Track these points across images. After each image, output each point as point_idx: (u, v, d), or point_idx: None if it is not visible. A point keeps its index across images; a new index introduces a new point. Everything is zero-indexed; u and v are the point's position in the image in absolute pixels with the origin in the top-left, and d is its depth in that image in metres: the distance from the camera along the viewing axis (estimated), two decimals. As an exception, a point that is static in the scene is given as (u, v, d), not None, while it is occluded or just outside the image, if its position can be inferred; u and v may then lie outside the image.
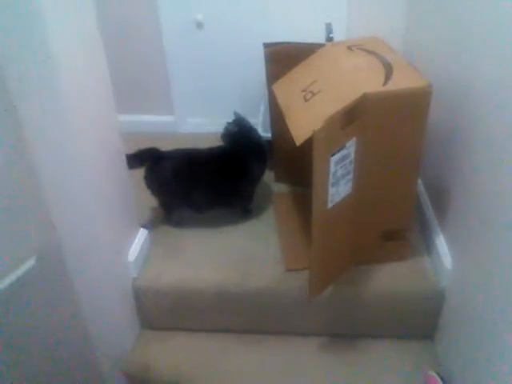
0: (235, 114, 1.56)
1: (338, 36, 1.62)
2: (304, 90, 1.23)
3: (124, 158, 1.33)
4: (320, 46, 1.37)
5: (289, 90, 1.30)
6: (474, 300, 1.11)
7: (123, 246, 1.36)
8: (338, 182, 1.12)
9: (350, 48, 1.32)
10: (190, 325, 1.42)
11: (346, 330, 1.38)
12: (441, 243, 1.30)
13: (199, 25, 1.88)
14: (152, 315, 1.44)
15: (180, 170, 1.46)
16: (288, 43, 1.37)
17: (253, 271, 1.37)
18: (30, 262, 1.12)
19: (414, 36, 1.69)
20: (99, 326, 1.33)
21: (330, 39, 1.63)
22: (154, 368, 1.35)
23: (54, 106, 1.01)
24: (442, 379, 1.20)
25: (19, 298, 1.11)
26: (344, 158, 1.11)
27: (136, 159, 1.42)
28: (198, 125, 2.06)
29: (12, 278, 1.08)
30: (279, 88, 1.36)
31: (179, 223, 1.55)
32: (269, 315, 1.38)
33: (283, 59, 1.37)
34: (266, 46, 1.40)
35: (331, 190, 1.12)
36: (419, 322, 1.34)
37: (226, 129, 1.53)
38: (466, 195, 1.17)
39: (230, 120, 1.56)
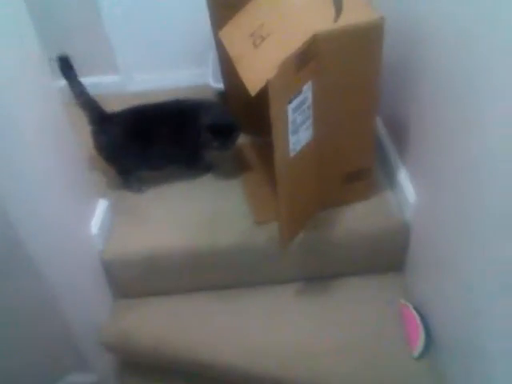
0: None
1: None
2: (252, 35, 1.17)
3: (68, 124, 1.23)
4: None
5: (236, 36, 1.24)
6: (438, 230, 1.14)
7: (84, 219, 1.32)
8: (297, 129, 1.10)
9: None
10: (164, 289, 1.42)
11: (319, 273, 1.41)
12: (403, 178, 1.32)
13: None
14: (124, 285, 1.42)
15: (130, 131, 1.40)
16: None
17: (221, 228, 1.36)
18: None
19: None
20: (70, 301, 1.31)
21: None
22: (131, 336, 1.35)
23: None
24: (414, 308, 1.24)
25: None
26: (301, 103, 1.08)
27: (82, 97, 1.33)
28: (146, 81, 1.95)
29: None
30: (226, 34, 1.29)
31: (139, 187, 1.50)
32: (242, 269, 1.39)
33: (227, 2, 1.30)
34: None
35: (292, 138, 1.09)
36: (388, 257, 1.38)
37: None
38: (424, 128, 1.18)
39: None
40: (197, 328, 1.33)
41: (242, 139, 1.61)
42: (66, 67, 1.32)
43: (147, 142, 1.41)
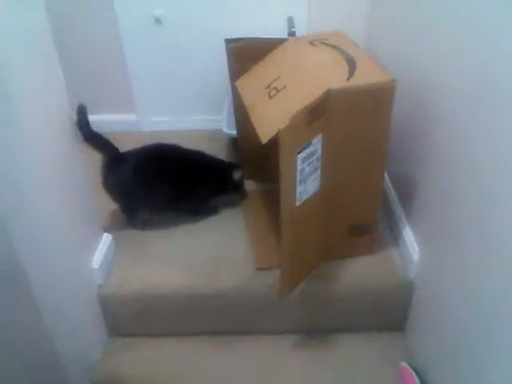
0: None
1: (299, 30, 1.61)
2: (268, 87, 1.22)
3: (78, 159, 1.25)
4: (282, 40, 1.36)
5: (252, 86, 1.29)
6: (442, 290, 1.13)
7: (86, 252, 1.32)
8: (305, 179, 1.12)
9: (312, 43, 1.31)
10: (160, 330, 1.40)
11: (318, 326, 1.39)
12: (408, 235, 1.33)
13: (158, 21, 1.83)
14: (120, 322, 1.40)
15: (140, 173, 1.42)
16: (250, 39, 1.36)
17: (221, 272, 1.36)
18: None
19: (377, 30, 1.69)
20: (64, 335, 1.28)
21: (292, 33, 1.62)
22: (124, 377, 1.32)
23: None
24: (414, 370, 1.21)
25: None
26: (311, 154, 1.10)
27: (95, 138, 1.34)
28: (161, 123, 2.01)
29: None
30: (242, 85, 1.34)
31: (143, 225, 1.51)
32: (240, 315, 1.37)
33: (246, 55, 1.36)
34: (228, 41, 1.37)
35: (299, 188, 1.11)
36: (389, 315, 1.37)
37: None
38: (431, 187, 1.20)
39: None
40: (190, 373, 1.30)
41: (251, 186, 1.64)
42: (83, 114, 1.32)
43: (155, 184, 1.43)
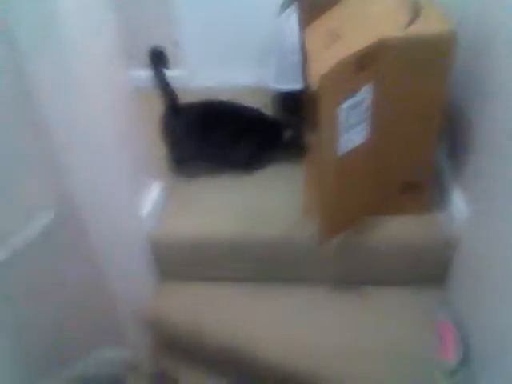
0: None
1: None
2: (328, 35, 1.21)
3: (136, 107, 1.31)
4: None
5: (316, 35, 1.28)
6: (486, 248, 1.12)
7: (138, 199, 1.38)
8: (349, 129, 1.12)
9: None
10: (207, 276, 1.46)
11: (357, 278, 1.41)
12: (456, 193, 1.30)
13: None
14: (169, 267, 1.48)
15: (197, 124, 1.49)
16: None
17: (267, 221, 1.39)
18: (48, 216, 1.13)
19: None
20: (117, 279, 1.38)
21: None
22: (172, 317, 1.41)
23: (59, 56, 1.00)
24: (452, 322, 1.22)
25: (37, 252, 1.14)
26: (357, 104, 1.10)
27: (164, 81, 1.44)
28: (210, 78, 2.02)
29: (30, 231, 1.09)
30: (308, 33, 1.33)
31: (193, 176, 1.56)
32: (281, 263, 1.41)
33: (315, 5, 1.32)
34: None
35: (342, 137, 1.11)
36: (431, 270, 1.36)
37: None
38: (485, 146, 1.16)
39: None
40: (235, 317, 1.37)
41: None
42: (159, 59, 1.44)
43: (207, 136, 1.48)
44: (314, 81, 1.06)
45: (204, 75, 2.05)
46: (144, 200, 1.40)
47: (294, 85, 1.57)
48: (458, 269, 1.29)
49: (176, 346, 1.47)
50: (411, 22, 1.09)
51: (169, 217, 1.45)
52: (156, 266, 1.47)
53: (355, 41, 1.09)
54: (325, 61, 1.10)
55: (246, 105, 1.55)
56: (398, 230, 1.33)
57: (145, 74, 1.68)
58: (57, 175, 1.15)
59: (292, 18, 1.46)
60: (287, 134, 1.54)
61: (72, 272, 1.28)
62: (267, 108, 1.65)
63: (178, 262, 1.46)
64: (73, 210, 1.21)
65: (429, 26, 1.08)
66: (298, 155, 1.56)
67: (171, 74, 2.02)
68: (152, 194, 1.44)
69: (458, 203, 1.28)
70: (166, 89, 1.46)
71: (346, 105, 1.06)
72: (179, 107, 1.50)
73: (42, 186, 1.14)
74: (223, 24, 1.93)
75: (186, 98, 1.52)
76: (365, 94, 1.10)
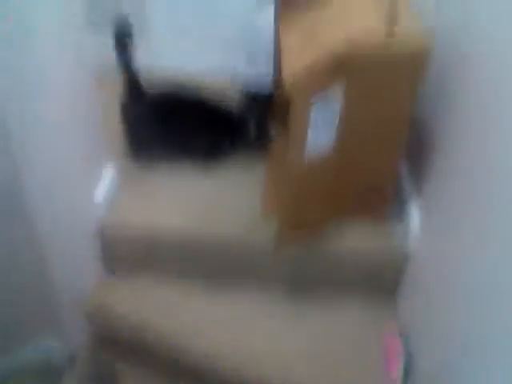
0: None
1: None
2: (306, 32, 1.17)
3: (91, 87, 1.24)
4: None
5: (292, 31, 1.23)
6: (436, 264, 1.14)
7: (91, 183, 1.32)
8: (318, 131, 1.10)
9: None
10: (157, 271, 1.41)
11: (311, 283, 1.40)
12: (414, 207, 1.31)
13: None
14: (117, 259, 1.42)
15: (159, 112, 1.43)
16: None
17: (221, 218, 1.36)
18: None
19: None
20: (60, 267, 1.31)
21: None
22: (115, 311, 1.35)
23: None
24: (400, 335, 1.23)
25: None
26: (328, 106, 1.08)
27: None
28: (177, 59, 1.94)
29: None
30: (284, 28, 1.27)
31: (150, 162, 1.49)
32: (236, 263, 1.38)
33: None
34: None
35: (310, 139, 1.10)
36: (384, 281, 1.37)
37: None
38: (444, 164, 1.17)
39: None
40: (181, 316, 1.33)
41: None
42: (124, 36, 1.32)
43: (172, 123, 1.43)
44: (287, 79, 1.03)
45: (171, 55, 1.98)
46: (97, 185, 1.34)
47: (264, 69, 1.53)
48: (409, 282, 1.31)
49: (117, 343, 1.41)
50: (388, 29, 1.08)
51: (121, 205, 1.39)
52: (104, 257, 1.40)
53: (330, 42, 1.07)
54: (299, 59, 1.08)
55: (210, 93, 1.49)
56: (355, 238, 1.33)
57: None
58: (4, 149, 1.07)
59: (268, 9, 1.43)
60: (251, 125, 1.49)
61: (11, 255, 1.21)
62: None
63: (127, 254, 1.39)
64: (18, 188, 1.13)
65: (404, 38, 1.07)
66: (260, 147, 1.51)
67: (137, 53, 1.97)
68: (106, 179, 1.37)
69: (415, 217, 1.29)
70: (128, 69, 1.37)
71: (316, 106, 1.05)
72: (141, 91, 1.43)
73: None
74: (197, 5, 1.86)
75: (150, 77, 1.44)
76: (335, 97, 1.08)
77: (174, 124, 1.43)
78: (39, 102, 1.04)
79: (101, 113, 1.30)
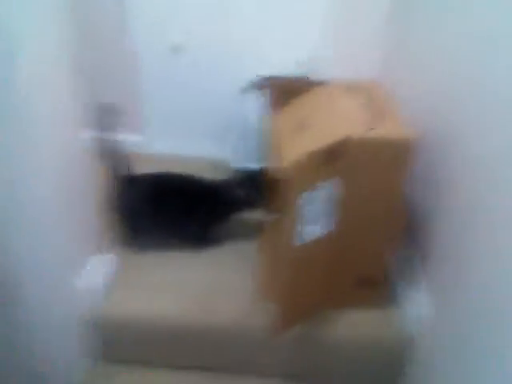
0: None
1: (313, 71, 1.62)
2: (297, 124, 1.24)
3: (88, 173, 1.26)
4: (320, 83, 1.38)
5: (285, 122, 1.30)
6: (442, 356, 1.12)
7: (80, 271, 1.30)
8: (311, 220, 1.12)
9: (348, 88, 1.32)
10: (147, 359, 1.37)
11: (308, 374, 1.36)
12: (415, 294, 1.31)
13: (177, 48, 1.85)
14: (107, 347, 1.37)
15: (148, 197, 1.44)
16: (287, 77, 1.39)
17: (218, 306, 1.34)
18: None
19: (392, 75, 1.68)
20: (46, 356, 1.24)
21: (304, 75, 1.63)
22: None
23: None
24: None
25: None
26: (320, 198, 1.11)
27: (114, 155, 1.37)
28: (167, 148, 2.00)
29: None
30: (277, 120, 1.35)
31: (144, 249, 1.50)
32: (232, 353, 1.35)
33: (286, 92, 1.37)
34: (272, 78, 1.40)
35: (302, 229, 1.12)
36: (386, 369, 1.34)
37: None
38: (448, 248, 1.18)
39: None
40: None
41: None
42: (109, 118, 1.36)
43: (165, 209, 1.44)
44: (280, 170, 1.07)
45: (162, 144, 2.03)
46: (88, 272, 1.32)
47: (252, 165, 1.58)
48: (414, 373, 1.27)
49: None
50: (374, 123, 1.14)
51: (114, 293, 1.36)
52: (92, 346, 1.35)
53: (322, 135, 1.13)
54: (291, 151, 1.13)
55: (198, 176, 1.51)
56: (353, 326, 1.31)
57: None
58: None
59: (254, 102, 1.49)
60: (241, 193, 1.49)
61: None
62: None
63: (117, 343, 1.36)
64: (5, 278, 1.10)
65: (391, 130, 1.14)
66: (252, 210, 1.51)
67: (128, 138, 2.02)
68: (97, 267, 1.35)
69: (416, 301, 1.28)
70: (115, 156, 1.40)
71: (309, 197, 1.08)
72: (131, 177, 1.45)
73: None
74: (187, 95, 1.94)
75: (141, 165, 1.48)
76: (327, 189, 1.11)
77: (165, 209, 1.44)
78: (26, 185, 1.04)
79: (90, 198, 1.31)
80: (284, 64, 1.52)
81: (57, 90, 1.10)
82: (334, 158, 1.08)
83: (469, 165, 1.08)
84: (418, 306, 1.27)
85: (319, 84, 1.37)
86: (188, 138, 1.99)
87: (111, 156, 1.39)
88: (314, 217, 1.12)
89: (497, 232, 0.94)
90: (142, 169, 1.48)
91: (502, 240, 0.91)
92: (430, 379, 1.19)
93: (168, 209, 1.45)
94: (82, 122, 1.21)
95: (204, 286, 1.39)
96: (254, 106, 1.47)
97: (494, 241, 0.95)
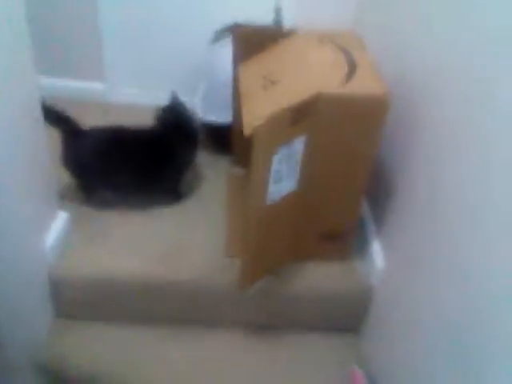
0: (172, 93, 1.46)
1: (287, 20, 1.54)
2: (265, 78, 1.18)
3: (42, 126, 1.19)
4: (291, 32, 1.32)
5: (251, 75, 1.25)
6: (399, 302, 1.16)
7: (40, 229, 1.26)
8: (280, 179, 1.11)
9: (320, 40, 1.27)
10: (110, 315, 1.36)
11: (273, 323, 1.39)
12: (375, 245, 1.34)
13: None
14: (69, 304, 1.36)
15: (102, 151, 1.37)
16: (258, 26, 1.33)
17: (181, 262, 1.33)
18: None
19: (365, 22, 1.62)
20: (7, 314, 1.20)
21: (278, 23, 1.55)
22: (69, 360, 1.28)
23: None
24: (365, 373, 1.25)
25: None
26: (290, 155, 1.10)
27: (52, 115, 1.28)
28: (131, 95, 1.90)
29: None
30: (243, 71, 1.29)
31: (102, 205, 1.45)
32: (194, 307, 1.35)
33: (251, 42, 1.29)
34: (235, 26, 1.34)
35: (272, 187, 1.10)
36: (347, 319, 1.39)
37: (160, 112, 1.44)
38: (404, 199, 1.20)
39: (167, 94, 1.47)
40: (136, 362, 1.28)
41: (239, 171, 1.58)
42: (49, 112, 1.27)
43: (119, 164, 1.38)
44: (248, 127, 1.03)
45: (124, 93, 1.92)
46: (47, 231, 1.28)
47: (222, 118, 1.53)
48: (372, 318, 1.33)
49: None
50: (347, 78, 1.09)
51: (73, 250, 1.33)
52: (54, 303, 1.33)
53: (292, 90, 1.09)
54: (259, 107, 1.09)
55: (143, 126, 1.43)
56: (317, 277, 1.33)
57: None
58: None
59: (225, 50, 1.42)
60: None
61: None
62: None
63: (80, 300, 1.33)
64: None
65: (364, 86, 1.10)
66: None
67: (89, 86, 1.91)
68: (57, 225, 1.31)
69: (377, 254, 1.31)
70: (58, 113, 1.32)
71: (278, 156, 1.05)
72: (82, 132, 1.37)
73: None
74: (154, 41, 1.83)
75: (101, 113, 1.40)
76: (297, 146, 1.09)
77: (122, 164, 1.38)
78: None
79: (48, 155, 1.24)
80: (254, 12, 1.44)
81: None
82: (304, 116, 1.05)
83: (435, 126, 1.06)
84: (374, 260, 1.30)
85: (289, 34, 1.31)
86: (153, 87, 1.89)
87: (53, 116, 1.29)
88: (283, 175, 1.10)
89: (460, 190, 0.93)
90: (100, 120, 1.39)
91: (464, 198, 0.91)
92: (382, 330, 1.26)
93: (126, 164, 1.38)
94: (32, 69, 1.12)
95: (167, 243, 1.36)
96: (225, 56, 1.39)
97: (453, 200, 0.95)
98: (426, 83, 1.11)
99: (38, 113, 1.18)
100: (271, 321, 1.38)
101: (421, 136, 1.12)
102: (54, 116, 1.30)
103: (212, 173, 1.61)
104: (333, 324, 1.39)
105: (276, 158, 1.04)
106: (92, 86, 1.91)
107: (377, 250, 1.31)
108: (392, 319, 1.21)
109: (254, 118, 1.03)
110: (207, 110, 1.59)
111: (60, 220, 1.32)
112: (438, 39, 1.06)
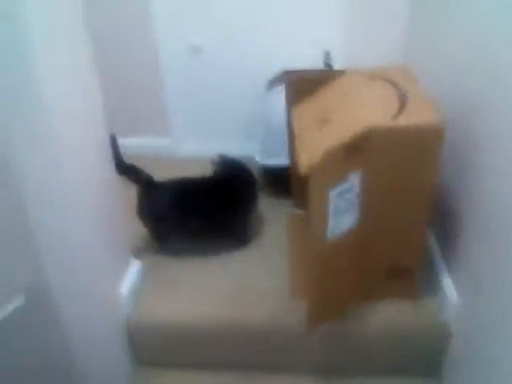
0: (220, 156, 1.53)
1: (338, 62, 1.59)
2: (317, 118, 1.22)
3: (114, 185, 1.29)
4: (341, 72, 1.35)
5: (304, 116, 1.29)
6: (481, 338, 1.09)
7: (115, 279, 1.33)
8: (339, 214, 1.11)
9: (371, 76, 1.29)
10: (184, 361, 1.39)
11: (345, 367, 1.34)
12: (447, 280, 1.28)
13: (197, 49, 1.87)
14: (145, 351, 1.40)
15: (173, 201, 1.46)
16: (309, 70, 1.38)
17: (250, 304, 1.34)
18: (19, 301, 1.05)
19: (415, 56, 1.63)
20: (88, 363, 1.27)
21: (328, 66, 1.60)
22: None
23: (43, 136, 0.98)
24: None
25: (7, 337, 1.05)
26: (347, 190, 1.10)
27: (127, 170, 1.39)
28: (194, 149, 2.01)
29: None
30: (296, 114, 1.34)
31: (173, 253, 1.52)
32: (266, 350, 1.34)
33: (303, 86, 1.34)
34: (287, 72, 1.38)
35: (331, 223, 1.10)
36: (422, 360, 1.31)
37: (216, 162, 1.52)
38: (476, 233, 1.14)
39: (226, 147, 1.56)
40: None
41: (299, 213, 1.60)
42: (115, 145, 1.37)
43: (189, 212, 1.45)
44: (303, 167, 1.05)
45: (189, 146, 2.04)
46: (121, 281, 1.34)
47: (279, 161, 1.57)
48: (454, 360, 1.24)
49: None
50: (399, 111, 1.10)
51: (147, 297, 1.39)
52: (131, 350, 1.38)
53: (344, 127, 1.11)
54: (314, 146, 1.11)
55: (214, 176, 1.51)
56: (387, 317, 1.29)
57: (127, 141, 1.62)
58: (29, 257, 1.08)
59: (279, 96, 1.48)
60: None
61: (42, 357, 1.18)
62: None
63: (155, 346, 1.38)
64: (44, 294, 1.13)
65: (416, 117, 1.10)
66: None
67: (156, 142, 2.04)
68: (131, 274, 1.38)
69: (449, 290, 1.25)
70: (131, 167, 1.42)
71: (335, 192, 1.06)
72: (156, 183, 1.47)
73: (13, 270, 1.06)
74: (211, 95, 1.95)
75: (169, 167, 1.49)
76: (354, 181, 1.10)
77: (192, 213, 1.45)
78: (61, 199, 1.06)
79: (120, 207, 1.32)
80: (306, 57, 1.50)
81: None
82: (358, 151, 1.06)
83: (497, 147, 1.03)
84: (447, 295, 1.24)
85: (339, 74, 1.34)
86: (214, 137, 2.00)
87: (129, 171, 1.40)
88: (341, 211, 1.10)
89: None
90: (170, 173, 1.49)
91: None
92: (467, 373, 1.16)
93: (195, 212, 1.45)
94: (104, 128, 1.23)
95: (233, 287, 1.39)
96: (279, 101, 1.45)
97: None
98: (481, 106, 1.09)
99: (113, 167, 1.28)
100: (341, 365, 1.34)
101: (481, 161, 1.09)
102: (131, 170, 1.41)
103: (273, 216, 1.64)
104: (409, 366, 1.31)
105: (333, 194, 1.05)
106: (159, 142, 2.06)
107: (448, 286, 1.25)
108: (474, 359, 1.12)
109: (309, 157, 1.06)
110: (265, 154, 1.65)
111: (134, 269, 1.39)
112: (493, 63, 1.06)
